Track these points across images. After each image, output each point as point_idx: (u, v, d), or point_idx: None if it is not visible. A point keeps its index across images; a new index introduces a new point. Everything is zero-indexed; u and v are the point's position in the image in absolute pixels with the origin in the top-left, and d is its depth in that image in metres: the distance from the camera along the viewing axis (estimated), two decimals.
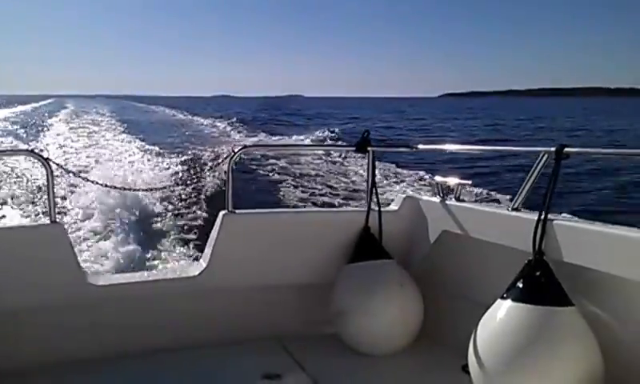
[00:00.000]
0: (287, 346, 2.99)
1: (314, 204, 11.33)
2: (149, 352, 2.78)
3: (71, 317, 2.74)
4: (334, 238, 3.13)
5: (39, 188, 11.07)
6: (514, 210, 2.53)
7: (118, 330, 2.83)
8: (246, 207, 3.18)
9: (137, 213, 9.39)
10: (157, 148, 19.25)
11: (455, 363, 2.45)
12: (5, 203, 10.45)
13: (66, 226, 2.89)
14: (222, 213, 3.02)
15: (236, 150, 3.11)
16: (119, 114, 42.60)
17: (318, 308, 3.05)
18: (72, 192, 10.86)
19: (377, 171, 3.30)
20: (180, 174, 13.38)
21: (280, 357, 2.90)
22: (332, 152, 17.07)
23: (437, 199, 3.03)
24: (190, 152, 17.71)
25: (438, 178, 3.12)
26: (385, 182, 13.57)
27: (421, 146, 3.55)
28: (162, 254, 7.83)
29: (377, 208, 3.15)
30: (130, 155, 17.58)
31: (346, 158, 16.18)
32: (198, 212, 9.96)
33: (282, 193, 12.52)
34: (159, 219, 9.64)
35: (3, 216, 9.59)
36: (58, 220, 2.79)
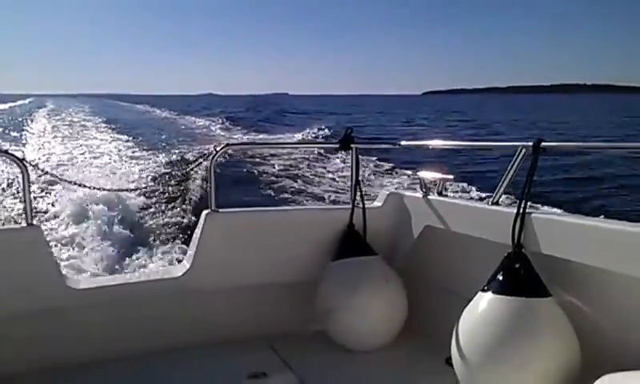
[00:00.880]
0: (273, 344, 3.00)
1: (299, 202, 11.34)
2: (132, 355, 2.75)
3: (51, 322, 2.68)
4: (318, 235, 3.14)
5: (16, 190, 10.88)
6: (494, 203, 2.57)
7: (101, 334, 2.79)
8: (231, 206, 3.19)
9: (119, 214, 9.28)
10: (141, 147, 19.07)
11: (439, 356, 2.49)
12: None
13: (43, 229, 2.82)
14: (204, 212, 3.01)
15: (218, 149, 3.09)
16: (101, 113, 42.06)
17: (304, 306, 3.05)
18: (50, 193, 10.71)
19: (361, 168, 3.32)
20: (165, 174, 13.27)
21: (266, 356, 2.90)
22: (316, 149, 17.08)
23: (420, 195, 3.06)
24: (175, 151, 17.58)
25: (420, 174, 3.15)
26: (370, 178, 13.63)
27: (403, 143, 3.59)
28: (146, 255, 7.77)
29: (361, 205, 3.17)
30: (112, 155, 17.39)
31: (328, 155, 16.21)
32: (183, 212, 9.89)
33: (266, 191, 12.50)
34: (143, 220, 9.55)
35: None
36: (35, 223, 2.71)
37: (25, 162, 2.67)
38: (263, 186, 12.96)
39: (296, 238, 3.12)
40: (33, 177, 8.20)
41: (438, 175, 3.06)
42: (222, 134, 28.02)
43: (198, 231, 3.00)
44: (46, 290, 2.67)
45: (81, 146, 20.24)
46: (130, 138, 22.89)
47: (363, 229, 3.13)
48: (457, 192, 11.74)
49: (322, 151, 16.67)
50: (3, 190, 11.25)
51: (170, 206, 10.22)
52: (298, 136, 24.92)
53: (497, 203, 2.57)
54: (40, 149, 19.69)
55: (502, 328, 2.12)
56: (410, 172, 14.17)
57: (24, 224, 2.66)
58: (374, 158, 15.84)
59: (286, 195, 12.12)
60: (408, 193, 3.27)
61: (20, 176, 2.64)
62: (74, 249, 7.88)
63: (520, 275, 2.19)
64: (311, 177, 14.13)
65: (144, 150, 18.48)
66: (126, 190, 8.85)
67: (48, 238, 3.05)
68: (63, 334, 2.72)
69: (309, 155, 16.29)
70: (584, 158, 16.95)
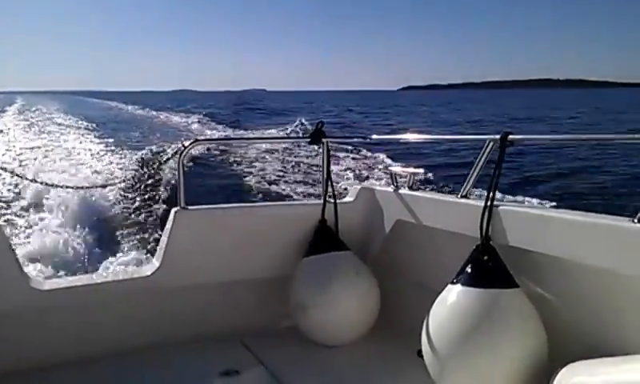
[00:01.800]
0: (246, 341, 2.98)
1: (271, 198, 11.29)
2: (101, 356, 2.69)
3: (13, 325, 2.58)
4: (290, 231, 3.13)
5: None
6: (462, 197, 2.60)
7: (66, 336, 2.72)
8: (203, 203, 3.15)
9: (87, 212, 9.08)
10: (111, 144, 18.70)
11: (411, 349, 2.51)
12: None
13: (5, 227, 2.72)
14: (174, 210, 2.96)
15: (186, 144, 3.04)
16: (71, 110, 40.95)
17: (277, 302, 3.04)
18: (13, 191, 10.41)
19: (332, 163, 3.31)
20: (135, 171, 13.02)
21: (239, 353, 2.88)
22: (289, 144, 17.03)
23: (391, 189, 3.08)
24: (147, 148, 17.23)
25: (392, 168, 3.18)
26: (341, 173, 13.67)
27: (374, 137, 3.59)
28: (114, 254, 7.62)
29: (333, 200, 3.17)
30: (81, 152, 16.99)
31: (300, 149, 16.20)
32: (153, 210, 9.75)
33: (238, 187, 12.42)
34: (111, 218, 9.37)
35: None
36: None
37: None
38: (235, 183, 12.88)
39: (267, 234, 3.10)
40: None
41: (408, 169, 3.09)
42: (198, 129, 27.70)
43: (167, 229, 2.95)
44: (7, 291, 2.56)
45: (49, 143, 19.69)
46: (100, 135, 22.44)
47: (335, 224, 3.13)
48: (429, 185, 11.89)
49: (294, 146, 16.63)
50: None
51: (139, 204, 10.05)
52: (274, 132, 24.77)
53: (466, 196, 2.60)
54: (6, 146, 19.09)
55: (470, 319, 2.15)
56: (381, 166, 14.28)
57: None
58: (346, 153, 15.90)
59: (258, 191, 12.07)
60: (379, 187, 3.28)
61: None
62: (38, 249, 7.65)
63: (488, 267, 2.22)
64: (283, 172, 14.09)
65: (114, 147, 18.12)
66: (94, 187, 8.61)
67: (10, 238, 2.95)
68: (26, 337, 2.63)
69: (281, 150, 16.25)
70: (553, 150, 17.40)
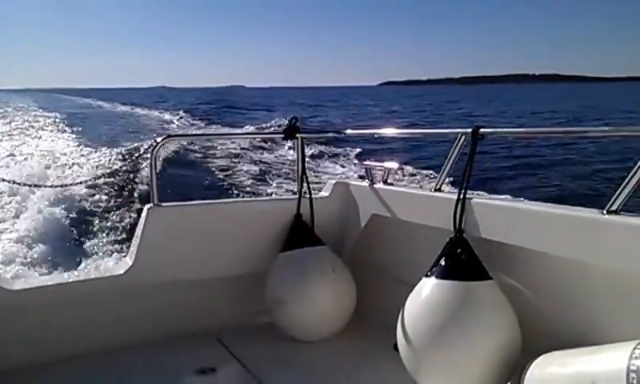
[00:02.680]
0: (222, 338, 2.96)
1: (246, 194, 11.24)
2: (75, 357, 2.64)
3: None
4: (265, 226, 3.11)
5: None
6: (436, 190, 2.61)
7: (38, 337, 2.66)
8: (177, 200, 3.11)
9: (59, 209, 8.86)
10: (86, 141, 18.31)
11: (388, 342, 2.52)
12: None
13: None
14: (146, 207, 2.91)
15: (158, 140, 3.00)
16: (47, 108, 39.88)
17: (253, 298, 3.03)
18: None
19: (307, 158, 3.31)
20: (108, 168, 12.77)
21: (215, 350, 2.86)
22: (263, 139, 16.95)
23: (366, 184, 3.08)
24: (122, 145, 16.91)
25: (366, 163, 3.18)
26: (316, 168, 13.67)
27: (349, 131, 3.60)
28: (86, 253, 7.48)
29: (308, 195, 3.16)
30: (55, 149, 16.58)
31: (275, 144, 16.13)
32: (126, 207, 9.59)
33: (212, 184, 12.31)
34: (83, 216, 9.18)
35: None
36: None
37: None
38: (209, 179, 12.75)
39: (243, 230, 3.08)
40: None
41: (383, 164, 3.09)
42: (176, 125, 27.33)
43: (140, 226, 2.91)
44: None
45: (25, 141, 19.17)
46: (75, 132, 21.95)
47: (311, 219, 3.13)
48: (403, 178, 11.96)
49: (269, 142, 16.56)
50: None
51: (113, 202, 9.87)
52: (252, 129, 24.58)
53: (439, 190, 2.61)
54: None
55: (444, 312, 2.18)
56: (356, 161, 14.31)
57: None
58: (321, 147, 15.90)
59: (233, 187, 11.99)
60: (354, 182, 3.29)
61: None
62: (7, 249, 7.46)
63: (461, 260, 2.25)
64: (258, 168, 14.02)
65: (89, 144, 17.74)
66: (65, 186, 8.43)
67: None
68: None
69: (256, 146, 16.16)
70: (524, 144, 17.67)
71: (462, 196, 2.31)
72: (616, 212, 1.86)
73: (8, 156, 15.24)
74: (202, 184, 12.20)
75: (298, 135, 3.23)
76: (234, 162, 14.60)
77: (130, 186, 10.64)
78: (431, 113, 44.12)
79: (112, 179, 10.65)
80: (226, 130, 24.47)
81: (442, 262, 2.28)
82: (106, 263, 6.76)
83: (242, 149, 15.95)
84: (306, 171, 3.22)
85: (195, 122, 29.54)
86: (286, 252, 3.03)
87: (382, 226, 2.99)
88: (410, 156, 15.39)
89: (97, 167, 13.13)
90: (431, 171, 12.77)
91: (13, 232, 8.03)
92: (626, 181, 1.84)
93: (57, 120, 28.45)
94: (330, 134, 4.41)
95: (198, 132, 21.86)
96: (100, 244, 7.92)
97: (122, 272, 2.84)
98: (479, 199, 2.36)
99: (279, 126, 24.24)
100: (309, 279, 2.92)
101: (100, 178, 9.69)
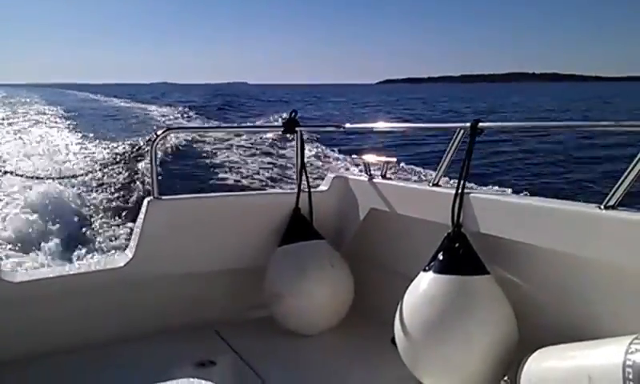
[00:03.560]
0: (221, 332, 2.97)
1: (245, 188, 11.24)
2: (75, 349, 2.65)
3: None
4: (264, 220, 3.12)
5: None
6: (434, 185, 2.62)
7: (40, 329, 2.67)
8: (177, 194, 3.12)
9: (60, 203, 8.89)
10: (88, 136, 18.31)
11: (385, 336, 2.54)
12: None
13: None
14: (146, 200, 2.92)
15: (159, 133, 3.00)
16: (49, 102, 39.83)
17: (251, 292, 3.04)
18: None
19: (307, 152, 3.31)
20: (111, 162, 12.77)
21: (214, 343, 2.87)
22: (263, 134, 16.93)
23: (365, 178, 3.09)
24: (124, 139, 16.91)
25: (365, 157, 3.17)
26: (315, 162, 13.67)
27: (348, 126, 3.60)
28: (88, 245, 7.51)
29: (307, 189, 3.17)
30: (58, 143, 16.58)
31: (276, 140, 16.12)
32: (127, 200, 9.61)
33: (212, 177, 12.32)
34: (85, 209, 9.21)
35: None
36: None
37: None
38: (209, 173, 12.76)
39: (242, 224, 3.08)
40: None
41: (381, 158, 3.09)
42: (179, 122, 27.29)
43: (140, 219, 2.91)
44: None
45: (27, 135, 19.16)
46: (77, 127, 21.96)
47: (309, 213, 3.14)
48: (402, 173, 11.98)
49: (269, 136, 16.54)
50: None
51: (114, 195, 9.91)
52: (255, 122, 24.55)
53: (437, 184, 2.62)
54: None
55: (441, 306, 2.19)
56: (355, 155, 14.27)
57: None
58: (320, 142, 15.90)
59: (232, 181, 12.00)
60: (353, 176, 3.29)
61: None
62: (10, 241, 7.49)
63: (459, 254, 2.25)
64: (258, 162, 14.02)
65: (91, 138, 17.76)
66: (68, 178, 8.42)
67: None
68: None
69: (256, 140, 16.15)
70: (523, 139, 17.68)
71: (460, 190, 2.31)
72: (613, 207, 1.86)
73: (9, 149, 15.25)
74: (202, 177, 12.22)
75: (297, 129, 3.23)
76: (234, 156, 14.60)
77: (130, 179, 10.65)
78: (429, 111, 44.13)
79: (112, 172, 10.68)
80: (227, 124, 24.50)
81: (440, 257, 2.28)
82: (107, 256, 6.77)
83: (241, 142, 15.96)
84: (305, 165, 3.23)
85: (198, 116, 29.50)
86: (285, 246, 3.04)
87: (381, 220, 3.00)
88: (408, 150, 15.39)
89: (97, 161, 13.15)
90: (430, 166, 12.78)
91: (14, 224, 8.05)
92: (624, 176, 1.85)
93: (60, 114, 28.43)
94: (329, 128, 4.40)
95: (198, 126, 21.82)
96: (100, 237, 7.94)
97: (122, 265, 2.85)
98: (477, 194, 2.37)
99: (280, 118, 24.25)
100: (307, 273, 2.93)
101: (101, 170, 9.71)
